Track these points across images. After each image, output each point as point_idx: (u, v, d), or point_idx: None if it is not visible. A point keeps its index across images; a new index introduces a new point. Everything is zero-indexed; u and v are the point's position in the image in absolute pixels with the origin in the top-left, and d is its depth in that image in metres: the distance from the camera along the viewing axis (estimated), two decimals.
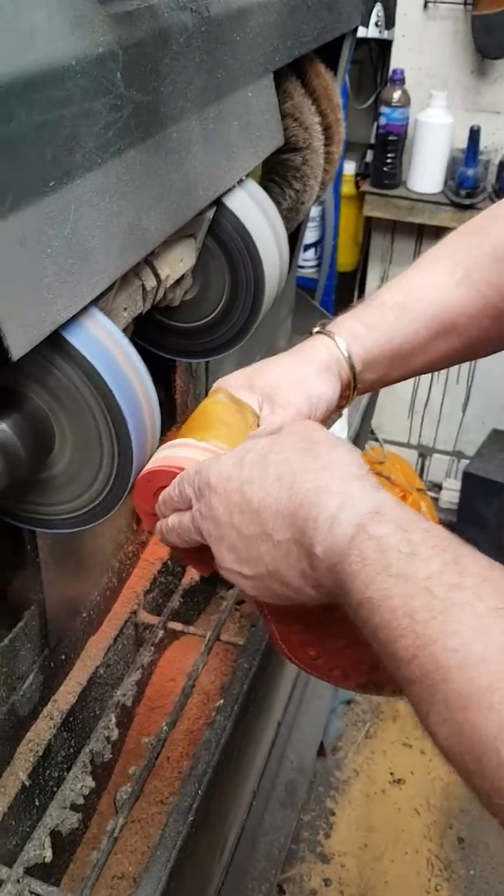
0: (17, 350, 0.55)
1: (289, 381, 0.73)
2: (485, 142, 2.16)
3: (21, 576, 0.88)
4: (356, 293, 2.59)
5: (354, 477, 0.54)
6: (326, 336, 0.75)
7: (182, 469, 0.65)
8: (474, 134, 2.08)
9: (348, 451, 0.58)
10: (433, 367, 0.84)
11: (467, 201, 2.14)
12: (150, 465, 0.68)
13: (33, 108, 0.55)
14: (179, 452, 0.67)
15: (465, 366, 2.57)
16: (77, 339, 0.62)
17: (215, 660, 1.29)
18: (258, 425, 0.73)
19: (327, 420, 0.80)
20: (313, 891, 1.63)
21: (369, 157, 2.32)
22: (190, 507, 0.62)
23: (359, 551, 0.49)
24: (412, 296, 0.78)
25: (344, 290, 2.55)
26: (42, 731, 0.93)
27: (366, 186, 2.26)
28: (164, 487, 0.66)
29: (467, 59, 2.16)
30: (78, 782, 0.91)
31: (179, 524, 0.63)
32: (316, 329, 0.77)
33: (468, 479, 2.57)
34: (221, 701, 0.98)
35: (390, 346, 0.77)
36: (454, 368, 2.57)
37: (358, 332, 0.75)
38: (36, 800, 0.92)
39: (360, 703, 2.03)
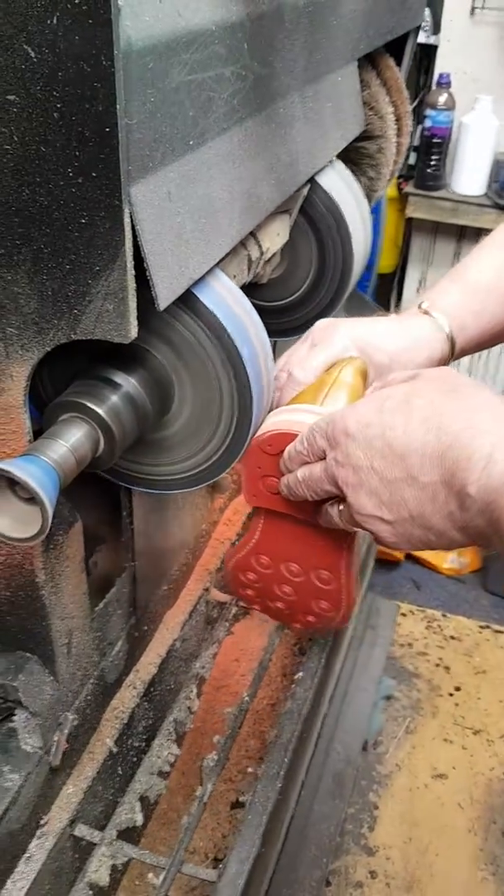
0: (163, 301, 0.57)
1: (400, 369, 0.75)
2: None
3: (115, 543, 0.90)
4: (394, 295, 2.60)
5: None
6: (441, 328, 0.77)
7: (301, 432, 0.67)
8: None
9: (493, 393, 0.59)
10: None
11: None
12: (270, 428, 0.69)
13: (184, 68, 0.57)
14: (304, 418, 0.68)
15: (501, 374, 2.58)
16: (206, 297, 0.64)
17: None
18: None
19: None
20: (359, 883, 1.63)
21: (412, 159, 2.34)
22: (321, 459, 0.63)
23: None
24: None
25: (382, 292, 2.57)
26: (126, 699, 0.94)
27: (409, 188, 2.29)
28: (281, 451, 0.68)
29: None
30: (164, 749, 0.92)
31: (311, 475, 0.64)
32: (426, 305, 0.78)
33: None
34: (301, 674, 0.99)
35: (492, 333, 0.79)
36: (490, 374, 2.59)
37: (466, 323, 0.77)
38: (119, 768, 0.93)
39: (400, 699, 2.03)
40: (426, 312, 0.78)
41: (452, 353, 0.80)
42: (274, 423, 0.71)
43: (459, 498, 0.54)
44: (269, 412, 0.76)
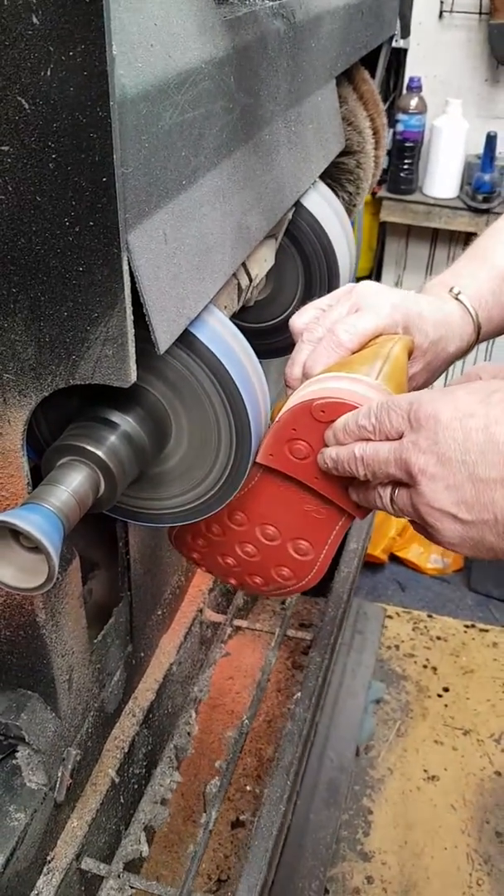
0: (163, 344, 0.57)
1: (431, 357, 0.74)
2: (498, 147, 2.20)
3: (108, 568, 0.90)
4: None
5: None
6: (472, 321, 0.75)
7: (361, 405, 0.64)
8: (491, 140, 2.12)
9: None
10: None
11: (484, 206, 2.17)
12: (329, 394, 0.65)
13: (176, 109, 0.57)
14: (365, 391, 0.64)
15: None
16: (201, 332, 0.64)
17: (260, 661, 1.31)
18: None
19: None
20: (357, 889, 1.64)
21: (384, 163, 2.35)
22: (389, 439, 0.60)
23: None
24: None
25: None
26: (126, 727, 0.94)
27: (382, 192, 2.30)
28: (332, 420, 0.64)
29: (481, 68, 2.21)
30: (166, 777, 0.92)
31: (374, 454, 0.60)
32: (456, 291, 0.76)
33: None
34: (299, 694, 0.99)
35: None
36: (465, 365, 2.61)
37: (492, 315, 0.76)
38: (121, 797, 0.93)
39: (389, 703, 2.04)
40: (457, 298, 0.76)
41: (475, 342, 0.79)
42: (331, 388, 0.66)
43: None
44: (302, 370, 0.72)
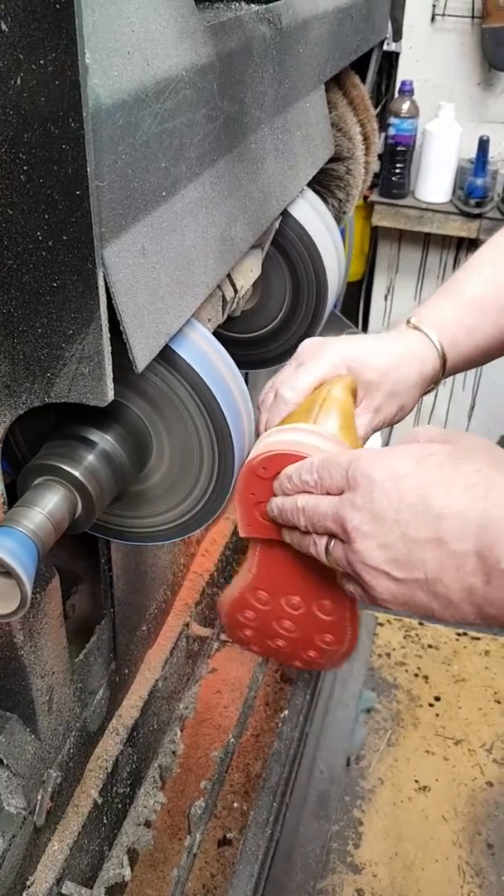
0: (141, 363, 0.55)
1: (391, 387, 0.73)
2: (491, 152, 2.19)
3: (92, 582, 0.88)
4: (361, 303, 2.60)
5: None
6: (432, 345, 0.75)
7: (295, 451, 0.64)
8: (483, 144, 2.10)
9: None
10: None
11: (476, 210, 2.16)
12: (264, 450, 0.65)
13: (155, 119, 0.55)
14: (299, 437, 0.65)
15: (471, 373, 2.60)
16: (184, 350, 0.62)
17: (248, 674, 1.29)
18: None
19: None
20: None
21: (376, 166, 2.33)
22: (327, 493, 0.60)
23: None
24: None
25: (350, 300, 2.56)
26: (109, 746, 0.92)
27: (374, 196, 2.28)
28: (276, 474, 0.64)
29: (474, 71, 2.19)
30: (150, 798, 0.90)
31: (314, 508, 0.60)
32: (414, 321, 0.75)
33: None
34: (286, 712, 0.97)
35: (484, 350, 0.77)
36: (459, 375, 2.59)
37: (457, 340, 0.75)
38: (104, 818, 0.91)
39: (381, 712, 2.02)
40: (416, 328, 0.75)
41: (444, 371, 0.78)
42: (267, 444, 0.67)
43: (488, 573, 0.52)
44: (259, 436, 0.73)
